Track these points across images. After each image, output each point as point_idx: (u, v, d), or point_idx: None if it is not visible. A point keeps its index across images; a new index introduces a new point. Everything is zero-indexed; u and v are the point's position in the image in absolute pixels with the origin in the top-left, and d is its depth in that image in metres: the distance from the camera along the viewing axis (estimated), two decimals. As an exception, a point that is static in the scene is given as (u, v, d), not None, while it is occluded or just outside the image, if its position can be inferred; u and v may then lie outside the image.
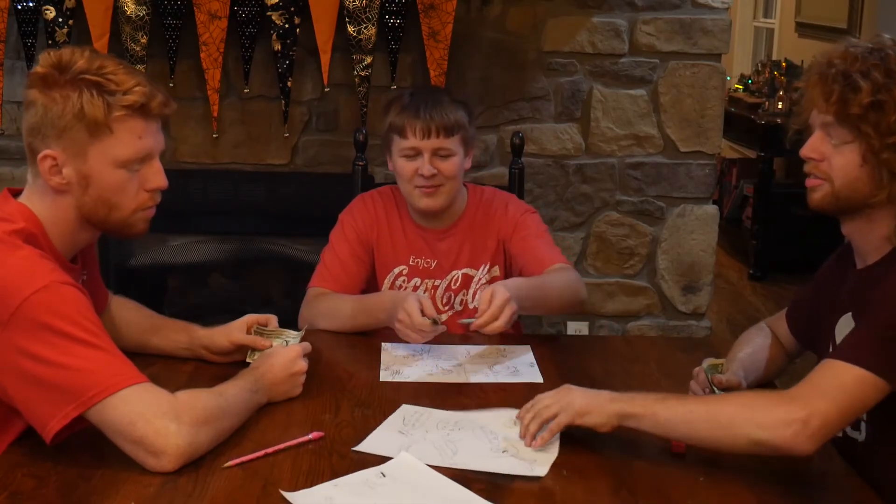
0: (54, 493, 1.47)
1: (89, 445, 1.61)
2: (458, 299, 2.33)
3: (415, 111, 2.21)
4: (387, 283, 2.33)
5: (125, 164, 1.66)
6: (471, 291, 2.32)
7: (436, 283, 2.32)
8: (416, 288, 2.31)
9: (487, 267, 2.32)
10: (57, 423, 1.51)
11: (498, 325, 1.91)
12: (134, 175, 1.68)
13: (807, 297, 1.86)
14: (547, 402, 1.63)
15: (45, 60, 1.65)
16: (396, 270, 2.33)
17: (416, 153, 2.22)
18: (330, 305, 2.20)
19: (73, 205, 1.67)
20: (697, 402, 1.60)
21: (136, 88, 1.63)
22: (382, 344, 2.08)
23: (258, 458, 1.57)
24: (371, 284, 2.34)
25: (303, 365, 1.82)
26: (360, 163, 2.68)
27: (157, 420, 1.50)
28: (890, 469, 1.59)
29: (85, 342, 1.52)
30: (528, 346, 2.10)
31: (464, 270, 2.32)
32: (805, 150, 1.64)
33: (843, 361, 1.49)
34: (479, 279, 2.32)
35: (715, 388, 1.72)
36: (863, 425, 1.62)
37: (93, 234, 1.76)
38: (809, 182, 1.65)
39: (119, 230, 1.74)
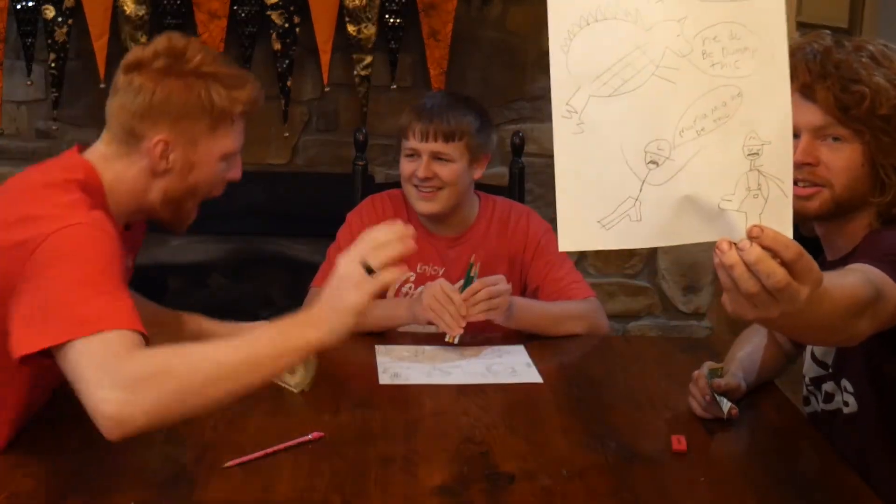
0: (53, 493, 1.46)
1: (89, 446, 1.61)
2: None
3: (419, 113, 2.22)
4: (393, 288, 2.29)
5: (227, 157, 1.77)
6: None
7: None
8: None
9: (501, 278, 2.27)
10: (27, 348, 1.41)
11: (474, 310, 1.98)
12: (226, 168, 1.79)
13: None
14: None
15: (157, 47, 1.68)
16: (403, 278, 2.31)
17: (415, 154, 2.22)
18: None
19: (163, 188, 1.72)
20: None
21: (251, 86, 1.73)
22: (376, 346, 2.07)
23: (258, 458, 1.56)
24: None
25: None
26: (361, 163, 2.68)
27: (93, 382, 1.37)
28: (875, 438, 1.59)
29: (94, 285, 1.44)
30: (522, 346, 2.09)
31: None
32: (798, 156, 1.54)
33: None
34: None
35: (715, 394, 1.72)
36: (851, 398, 1.62)
37: (143, 218, 1.82)
38: (804, 190, 1.57)
39: (177, 220, 1.81)
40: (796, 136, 1.55)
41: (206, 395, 1.39)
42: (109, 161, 1.71)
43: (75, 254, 1.48)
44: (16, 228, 1.52)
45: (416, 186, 2.23)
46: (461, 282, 2.09)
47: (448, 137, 2.19)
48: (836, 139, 1.56)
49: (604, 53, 1.14)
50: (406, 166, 2.24)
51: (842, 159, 1.56)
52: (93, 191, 1.65)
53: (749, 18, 1.12)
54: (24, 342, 1.43)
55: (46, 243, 1.48)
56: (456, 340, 2.03)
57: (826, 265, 1.65)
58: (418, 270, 2.29)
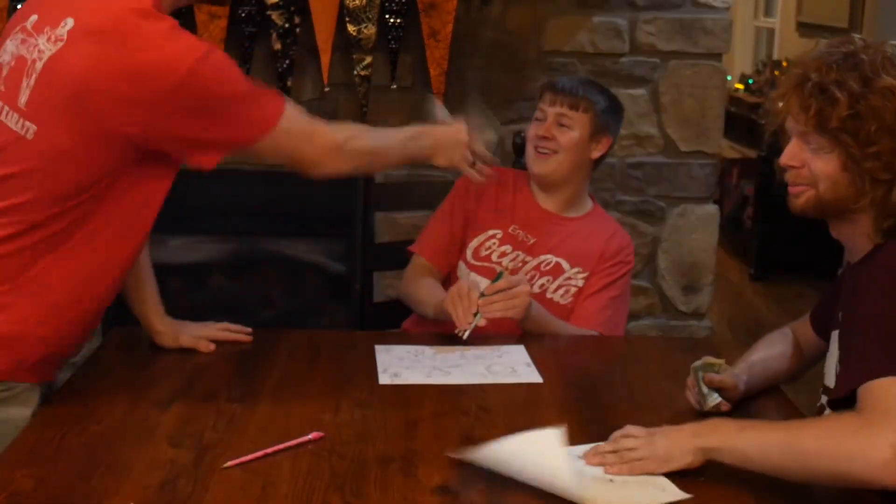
0: (54, 493, 1.46)
1: (89, 446, 1.61)
2: (539, 282, 2.30)
3: (555, 84, 2.36)
4: (476, 242, 2.35)
5: None
6: (555, 283, 2.31)
7: (526, 259, 2.32)
8: (504, 254, 2.31)
9: (580, 271, 2.31)
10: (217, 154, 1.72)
11: (494, 307, 2.05)
12: None
13: (828, 294, 1.86)
14: (632, 444, 1.56)
15: None
16: (491, 232, 2.35)
17: (543, 117, 2.33)
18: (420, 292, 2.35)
19: None
20: (775, 430, 1.51)
21: None
22: (375, 346, 2.07)
23: (258, 458, 1.56)
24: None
25: (467, 139, 1.99)
26: None
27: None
28: None
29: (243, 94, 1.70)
30: (522, 346, 2.10)
31: (559, 259, 2.32)
32: (784, 159, 1.63)
33: (885, 378, 1.44)
34: (569, 277, 2.32)
35: (703, 387, 1.72)
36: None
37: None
38: (792, 188, 1.65)
39: None
40: (788, 136, 1.63)
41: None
42: None
43: (217, 84, 1.68)
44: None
45: (535, 148, 2.32)
46: (490, 281, 2.13)
47: (573, 106, 2.30)
48: (816, 147, 1.59)
49: None
50: (532, 128, 2.36)
51: (820, 166, 1.59)
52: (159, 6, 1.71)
53: None
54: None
55: (188, 79, 1.63)
56: (465, 335, 2.04)
57: (847, 271, 1.68)
58: (510, 231, 2.33)
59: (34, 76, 1.65)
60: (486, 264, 2.32)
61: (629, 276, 2.37)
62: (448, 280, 2.36)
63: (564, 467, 1.45)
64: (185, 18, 3.08)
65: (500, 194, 2.39)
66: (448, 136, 2.01)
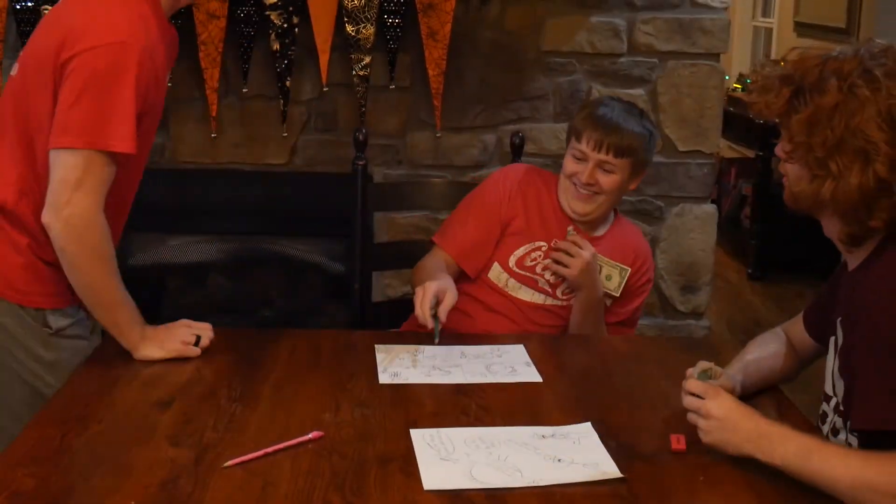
0: (55, 493, 1.47)
1: (90, 446, 1.61)
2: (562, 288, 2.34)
3: (596, 122, 2.29)
4: (521, 251, 2.34)
5: None
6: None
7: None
8: (546, 268, 2.32)
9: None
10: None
11: (553, 256, 2.25)
12: None
13: (822, 295, 1.85)
14: (692, 404, 1.62)
15: None
16: (537, 244, 2.35)
17: (583, 158, 2.29)
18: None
19: None
20: (843, 468, 1.45)
21: None
22: (375, 346, 2.07)
23: (258, 457, 1.57)
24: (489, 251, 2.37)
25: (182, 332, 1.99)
26: (360, 162, 2.68)
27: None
28: None
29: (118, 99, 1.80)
30: (521, 346, 2.10)
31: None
32: (777, 149, 1.67)
33: None
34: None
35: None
36: (855, 440, 1.61)
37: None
38: (783, 180, 1.68)
39: None
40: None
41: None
42: None
43: (107, 74, 1.83)
44: None
45: (574, 185, 2.32)
46: (441, 285, 2.12)
47: (619, 153, 2.28)
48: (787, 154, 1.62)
49: None
50: (571, 165, 2.32)
51: (789, 172, 1.64)
52: None
53: None
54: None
55: (85, 53, 1.83)
56: (435, 339, 2.06)
57: (846, 278, 1.68)
58: (553, 245, 2.33)
59: None
60: (529, 275, 2.33)
61: (651, 285, 2.49)
62: (477, 283, 2.35)
63: None
64: (185, 18, 3.09)
65: (543, 203, 2.38)
66: (155, 334, 1.97)
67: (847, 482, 1.44)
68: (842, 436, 1.62)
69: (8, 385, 1.94)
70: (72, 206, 1.83)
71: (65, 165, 1.82)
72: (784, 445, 1.50)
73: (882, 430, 1.49)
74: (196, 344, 1.99)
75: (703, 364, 1.76)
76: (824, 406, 1.69)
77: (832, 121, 1.52)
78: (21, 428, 1.67)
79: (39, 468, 1.52)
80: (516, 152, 2.69)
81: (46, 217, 1.84)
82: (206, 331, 2.02)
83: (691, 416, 1.63)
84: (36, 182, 1.91)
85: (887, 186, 1.51)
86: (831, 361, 1.67)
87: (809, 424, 1.73)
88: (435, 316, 2.04)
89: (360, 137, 2.71)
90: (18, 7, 3.06)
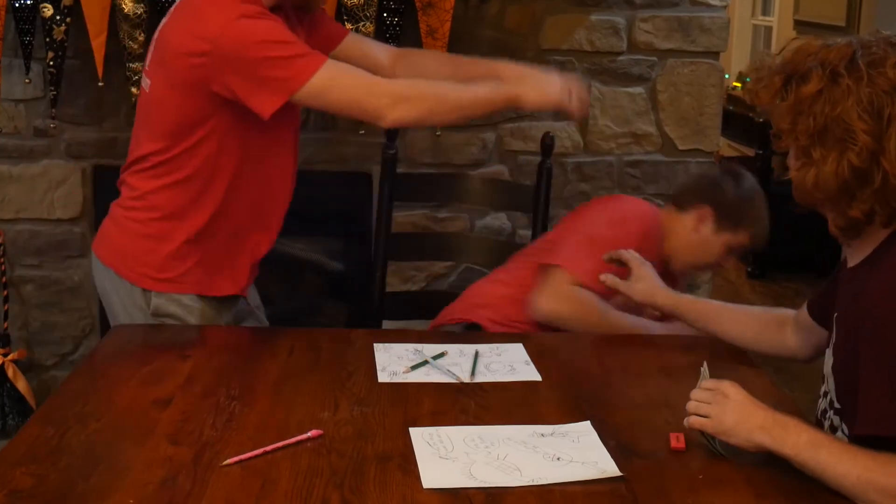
0: (53, 491, 1.46)
1: (88, 444, 1.61)
2: None
3: (761, 239, 2.48)
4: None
5: None
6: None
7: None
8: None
9: None
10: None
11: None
12: None
13: (826, 287, 1.86)
14: (703, 396, 1.61)
15: None
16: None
17: (725, 263, 2.50)
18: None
19: None
20: (851, 464, 1.46)
21: None
22: (374, 345, 2.07)
23: (257, 456, 1.57)
24: None
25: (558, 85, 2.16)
26: (391, 151, 2.73)
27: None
28: None
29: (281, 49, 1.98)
30: (521, 345, 2.10)
31: None
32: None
33: None
34: None
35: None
36: (834, 415, 1.62)
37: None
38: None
39: None
40: None
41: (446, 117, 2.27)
42: None
43: (254, 43, 2.01)
44: None
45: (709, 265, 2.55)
46: None
47: None
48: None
49: None
50: (721, 256, 2.46)
51: (789, 163, 1.65)
52: None
53: None
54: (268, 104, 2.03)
55: (225, 35, 2.01)
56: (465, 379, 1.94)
57: (846, 273, 1.68)
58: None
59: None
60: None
61: None
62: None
63: None
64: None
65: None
66: (538, 74, 2.19)
67: (853, 479, 1.44)
68: (839, 434, 1.62)
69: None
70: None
71: None
72: (797, 436, 1.51)
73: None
74: None
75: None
76: (822, 403, 1.69)
77: (814, 108, 1.53)
78: None
79: (38, 466, 1.52)
80: (546, 152, 2.73)
81: None
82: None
83: (700, 407, 1.60)
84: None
85: (863, 175, 1.51)
86: (828, 359, 1.67)
87: (810, 422, 1.73)
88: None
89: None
90: (17, 5, 3.06)
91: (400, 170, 3.30)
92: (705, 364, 1.72)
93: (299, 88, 1.99)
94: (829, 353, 1.67)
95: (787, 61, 1.60)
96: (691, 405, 1.62)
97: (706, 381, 1.64)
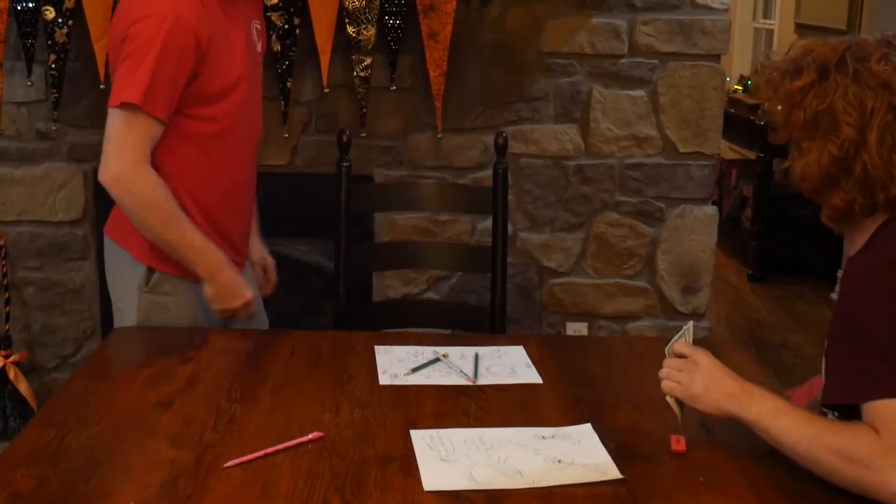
0: (54, 493, 1.47)
1: (89, 446, 1.61)
2: None
3: None
4: None
5: None
6: None
7: None
8: None
9: None
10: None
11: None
12: None
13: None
14: (675, 364, 1.66)
15: None
16: None
17: None
18: None
19: None
20: (805, 427, 1.50)
21: None
22: (375, 347, 2.08)
23: (258, 458, 1.57)
24: None
25: (248, 295, 2.18)
26: (345, 164, 2.61)
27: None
28: None
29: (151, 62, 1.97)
30: (521, 347, 2.10)
31: None
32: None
33: (887, 399, 1.46)
34: None
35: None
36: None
37: None
38: None
39: None
40: None
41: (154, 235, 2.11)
42: None
43: (145, 43, 2.01)
44: None
45: None
46: None
47: None
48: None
49: None
50: None
51: (795, 162, 1.64)
52: None
53: None
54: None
55: (136, 26, 2.02)
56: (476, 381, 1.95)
57: (847, 262, 1.68)
58: None
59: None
60: None
61: None
62: None
63: None
64: (185, 19, 3.09)
65: None
66: (226, 280, 2.15)
67: (806, 444, 1.49)
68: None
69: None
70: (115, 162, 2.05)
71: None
72: (761, 403, 1.56)
73: (853, 406, 1.51)
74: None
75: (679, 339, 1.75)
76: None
77: (804, 101, 1.57)
78: None
79: (39, 468, 1.53)
80: (500, 152, 2.61)
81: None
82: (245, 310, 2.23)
83: (671, 373, 1.66)
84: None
85: (845, 165, 1.55)
86: None
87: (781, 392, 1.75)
88: None
89: (345, 139, 2.62)
90: (19, 8, 3.07)
91: (402, 172, 3.32)
92: (691, 324, 1.73)
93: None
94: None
95: (788, 59, 1.64)
96: (663, 371, 1.68)
97: (679, 344, 1.69)
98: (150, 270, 2.17)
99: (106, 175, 2.03)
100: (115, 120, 2.03)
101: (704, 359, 1.64)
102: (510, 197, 3.37)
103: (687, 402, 1.63)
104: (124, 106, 2.00)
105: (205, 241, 2.12)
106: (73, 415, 1.72)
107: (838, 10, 5.55)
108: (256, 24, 2.29)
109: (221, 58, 2.09)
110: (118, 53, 2.05)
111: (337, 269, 2.60)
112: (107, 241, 2.27)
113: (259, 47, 2.30)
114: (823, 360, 1.68)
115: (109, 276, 2.29)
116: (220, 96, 2.12)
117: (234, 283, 2.17)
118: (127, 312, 2.20)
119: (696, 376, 1.63)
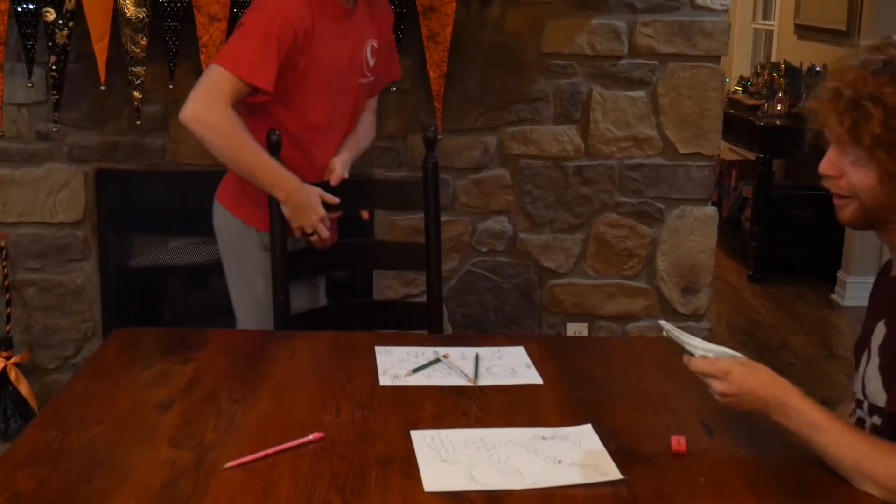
0: (55, 494, 1.47)
1: (90, 447, 1.61)
2: None
3: None
4: None
5: None
6: None
7: None
8: None
9: None
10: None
11: None
12: None
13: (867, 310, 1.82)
14: (718, 388, 1.59)
15: None
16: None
17: None
18: None
19: None
20: (849, 449, 1.50)
21: None
22: (376, 348, 2.08)
23: (258, 459, 1.57)
24: None
25: (322, 212, 2.36)
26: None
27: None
28: None
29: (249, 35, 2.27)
30: (521, 347, 2.10)
31: None
32: (823, 167, 1.61)
33: None
34: None
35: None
36: (876, 417, 1.61)
37: None
38: (837, 201, 1.62)
39: None
40: (828, 141, 1.60)
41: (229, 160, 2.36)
42: None
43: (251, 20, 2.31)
44: None
45: None
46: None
47: None
48: (853, 158, 1.57)
49: None
50: None
51: (858, 178, 1.57)
52: None
53: None
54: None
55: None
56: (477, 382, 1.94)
57: (891, 282, 1.66)
58: None
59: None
60: None
61: None
62: None
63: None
64: (186, 21, 3.09)
65: None
66: (301, 200, 2.34)
67: (850, 464, 1.50)
68: (867, 426, 1.62)
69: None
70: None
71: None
72: (799, 417, 1.54)
73: None
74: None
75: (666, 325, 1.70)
76: (859, 412, 1.67)
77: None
78: None
79: (39, 469, 1.53)
80: (429, 146, 2.49)
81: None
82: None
83: (720, 400, 1.60)
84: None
85: None
86: (865, 365, 1.66)
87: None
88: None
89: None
90: (20, 9, 3.07)
91: (402, 173, 3.32)
92: (667, 324, 1.67)
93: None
94: (869, 358, 1.65)
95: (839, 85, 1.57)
96: (715, 396, 1.61)
97: (701, 363, 1.60)
98: (260, 232, 2.44)
99: (185, 113, 2.25)
100: (208, 72, 2.29)
101: (726, 386, 1.57)
102: (510, 197, 3.37)
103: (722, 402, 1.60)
104: (217, 64, 2.26)
105: (279, 168, 2.32)
106: (73, 416, 1.72)
107: (838, 12, 5.55)
108: (373, 42, 2.48)
109: (319, 60, 2.33)
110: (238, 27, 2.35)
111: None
112: (217, 206, 2.54)
113: (371, 62, 2.50)
114: (866, 373, 1.65)
115: (222, 240, 2.55)
116: (309, 96, 2.37)
117: (308, 203, 2.35)
118: (241, 274, 2.49)
119: (735, 399, 1.58)
